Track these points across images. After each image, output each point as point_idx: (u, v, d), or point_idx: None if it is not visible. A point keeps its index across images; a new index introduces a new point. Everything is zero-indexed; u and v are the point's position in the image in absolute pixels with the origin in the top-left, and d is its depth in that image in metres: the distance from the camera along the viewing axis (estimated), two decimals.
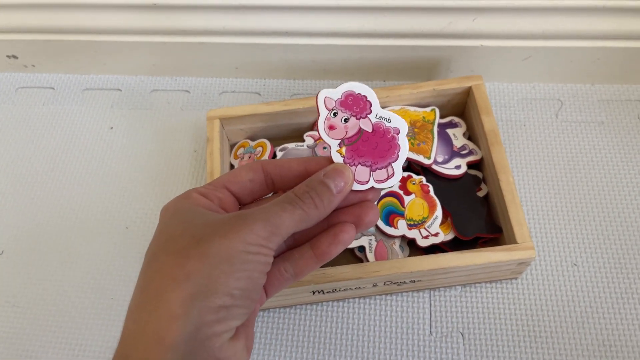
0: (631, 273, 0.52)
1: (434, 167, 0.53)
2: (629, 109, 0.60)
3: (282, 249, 0.38)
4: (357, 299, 0.52)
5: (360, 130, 0.38)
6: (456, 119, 0.57)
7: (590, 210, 0.55)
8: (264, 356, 0.51)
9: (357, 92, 0.38)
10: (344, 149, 0.38)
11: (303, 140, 0.57)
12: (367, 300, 0.52)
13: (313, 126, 0.58)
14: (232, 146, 0.60)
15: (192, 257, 0.30)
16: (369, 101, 0.38)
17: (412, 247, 0.51)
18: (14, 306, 0.56)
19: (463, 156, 0.54)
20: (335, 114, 0.38)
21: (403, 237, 0.50)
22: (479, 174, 0.54)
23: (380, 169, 0.38)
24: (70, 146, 0.65)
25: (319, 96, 0.38)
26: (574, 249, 0.53)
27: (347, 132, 0.38)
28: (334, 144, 0.37)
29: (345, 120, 0.38)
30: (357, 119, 0.38)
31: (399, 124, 0.38)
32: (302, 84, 0.66)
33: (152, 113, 0.66)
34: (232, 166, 0.58)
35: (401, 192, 0.52)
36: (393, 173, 0.37)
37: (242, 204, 0.38)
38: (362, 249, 0.50)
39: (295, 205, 0.33)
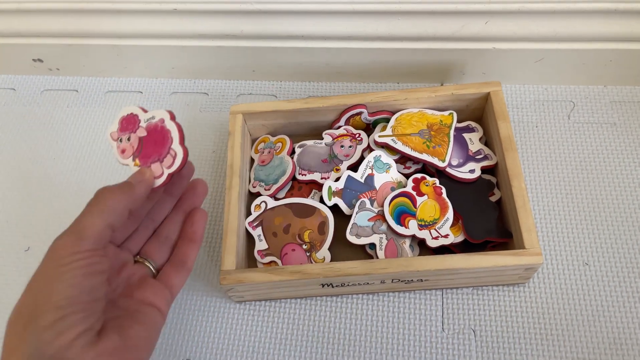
0: None
1: (448, 170, 0.53)
2: None
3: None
4: (369, 295, 0.54)
5: (140, 139, 0.44)
6: (473, 124, 0.57)
7: (602, 211, 0.56)
8: (276, 345, 0.52)
9: (126, 114, 0.45)
10: (137, 160, 0.44)
11: (321, 138, 0.59)
12: (380, 296, 0.53)
13: (332, 125, 0.59)
14: (253, 141, 0.61)
15: (21, 297, 0.35)
16: (135, 115, 0.45)
17: (422, 247, 0.52)
18: None
19: (478, 161, 0.54)
20: (121, 140, 0.45)
21: (413, 236, 0.51)
22: (493, 179, 0.54)
23: (165, 156, 0.43)
24: (93, 146, 0.67)
25: (107, 135, 0.46)
26: (585, 248, 0.54)
27: (133, 146, 0.44)
28: (129, 162, 0.44)
29: (129, 139, 0.44)
30: (134, 132, 0.44)
31: (160, 114, 0.44)
32: (317, 86, 0.68)
33: None
34: (252, 160, 0.60)
35: (414, 193, 0.53)
36: (175, 153, 0.42)
37: None
38: (372, 246, 0.51)
39: (95, 204, 0.38)
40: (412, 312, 0.52)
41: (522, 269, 0.48)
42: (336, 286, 0.50)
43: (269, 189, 0.56)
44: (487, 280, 0.51)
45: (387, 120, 0.57)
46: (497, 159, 0.54)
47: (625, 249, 0.53)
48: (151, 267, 0.44)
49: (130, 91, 0.71)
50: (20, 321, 0.34)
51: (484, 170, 0.54)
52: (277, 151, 0.58)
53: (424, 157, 0.54)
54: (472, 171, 0.54)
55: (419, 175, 0.54)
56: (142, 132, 0.44)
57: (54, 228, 0.61)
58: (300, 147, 0.58)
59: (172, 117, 0.43)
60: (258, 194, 0.56)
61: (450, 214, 0.51)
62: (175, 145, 0.43)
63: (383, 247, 0.51)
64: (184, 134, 0.43)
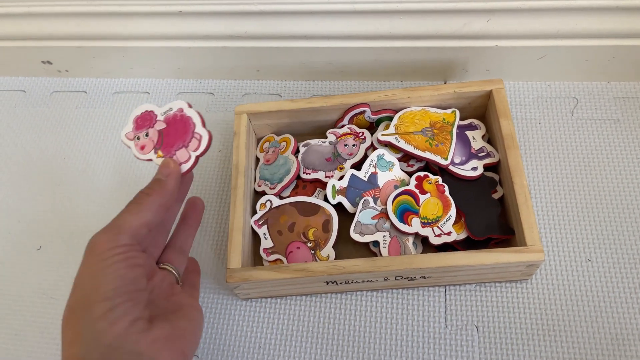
0: None
1: (451, 167, 0.54)
2: None
3: None
4: (373, 292, 0.54)
5: (159, 131, 0.45)
6: (476, 122, 0.58)
7: (605, 207, 0.56)
8: (281, 341, 0.53)
9: (140, 113, 0.47)
10: (159, 152, 0.45)
11: (325, 137, 0.59)
12: (384, 293, 0.54)
13: (335, 124, 0.60)
14: (258, 140, 0.62)
15: (71, 293, 0.37)
16: (150, 111, 0.46)
17: (425, 245, 0.53)
18: (50, 298, 0.59)
19: (480, 158, 0.55)
20: (138, 138, 0.46)
21: (416, 234, 0.51)
22: (496, 177, 0.55)
23: (190, 141, 0.44)
24: (102, 147, 0.68)
25: (122, 137, 0.46)
26: (588, 244, 0.54)
27: (153, 140, 0.45)
28: (151, 155, 0.45)
29: (147, 135, 0.46)
30: (152, 126, 0.46)
31: (178, 104, 0.46)
32: (321, 85, 0.68)
33: None
34: (257, 159, 0.61)
35: (417, 191, 0.53)
36: (200, 136, 0.45)
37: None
38: (376, 243, 0.52)
39: (130, 204, 0.40)
40: (416, 308, 0.53)
41: (524, 265, 0.48)
42: (340, 283, 0.51)
43: (274, 188, 0.57)
44: (490, 277, 0.51)
45: (390, 119, 0.57)
46: (499, 157, 0.54)
47: (628, 245, 0.54)
48: (175, 274, 0.45)
49: (137, 92, 0.72)
50: (73, 316, 0.35)
51: (487, 167, 0.54)
52: (282, 150, 0.59)
53: (427, 155, 0.54)
54: (474, 169, 0.54)
55: (421, 173, 0.54)
56: (160, 125, 0.45)
57: (64, 227, 0.62)
58: (304, 146, 0.59)
59: (190, 106, 0.46)
60: (263, 193, 0.57)
61: (452, 211, 0.52)
62: (199, 129, 0.45)
63: (386, 245, 0.51)
64: (204, 119, 0.45)
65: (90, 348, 0.34)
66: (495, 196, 0.53)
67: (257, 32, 0.62)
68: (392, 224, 0.52)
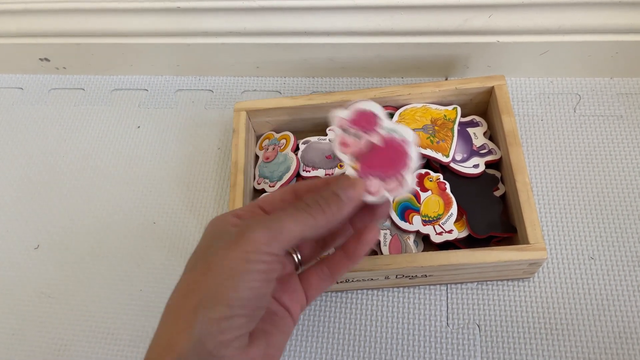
0: None
1: (452, 165, 0.53)
2: None
3: (313, 253, 0.41)
4: (373, 290, 0.54)
5: (371, 144, 0.39)
6: (477, 118, 0.57)
7: (608, 204, 0.55)
8: None
9: (365, 109, 0.40)
10: (357, 164, 0.39)
11: (325, 134, 0.59)
12: (385, 292, 0.54)
13: None
14: (257, 137, 0.62)
15: (199, 270, 0.33)
16: (376, 116, 0.40)
17: (427, 243, 0.52)
18: (48, 297, 0.58)
19: (482, 155, 0.54)
20: (346, 132, 0.40)
21: (417, 232, 0.51)
22: (498, 174, 0.54)
23: (390, 178, 0.39)
24: (100, 144, 0.68)
25: (335, 117, 0.40)
26: (591, 242, 0.54)
27: (359, 147, 0.39)
28: (347, 159, 0.40)
29: (357, 137, 0.40)
30: (367, 134, 0.40)
31: (407, 134, 0.39)
32: (321, 82, 0.68)
33: (177, 112, 0.68)
34: (256, 157, 0.60)
35: (418, 189, 0.53)
36: (403, 181, 0.39)
37: None
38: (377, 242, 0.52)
39: (301, 210, 0.35)
40: (417, 307, 0.53)
41: (526, 264, 0.48)
42: (341, 282, 0.51)
43: (273, 186, 0.56)
44: (492, 275, 0.51)
45: (391, 116, 0.57)
46: (501, 154, 0.54)
47: (631, 243, 0.53)
48: (296, 259, 0.40)
49: (136, 89, 0.71)
50: (195, 299, 0.32)
51: (488, 164, 0.54)
52: (282, 148, 0.58)
53: (428, 152, 0.53)
54: (476, 166, 0.53)
55: (422, 171, 0.54)
56: (378, 140, 0.40)
57: (62, 226, 0.62)
58: (304, 143, 0.59)
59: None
60: (263, 191, 0.57)
61: (454, 209, 0.51)
62: (408, 174, 0.39)
63: (387, 243, 0.51)
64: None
65: (194, 347, 0.31)
66: (497, 194, 0.53)
67: (256, 28, 0.62)
68: (392, 222, 0.51)
